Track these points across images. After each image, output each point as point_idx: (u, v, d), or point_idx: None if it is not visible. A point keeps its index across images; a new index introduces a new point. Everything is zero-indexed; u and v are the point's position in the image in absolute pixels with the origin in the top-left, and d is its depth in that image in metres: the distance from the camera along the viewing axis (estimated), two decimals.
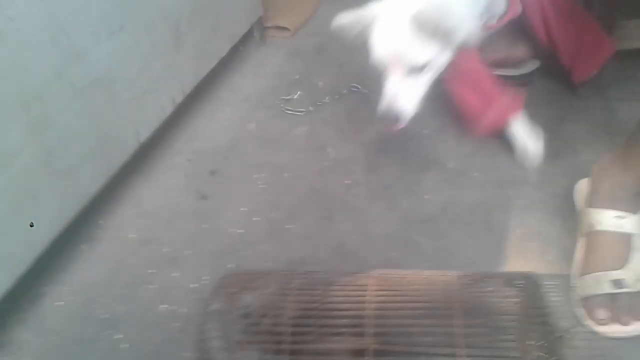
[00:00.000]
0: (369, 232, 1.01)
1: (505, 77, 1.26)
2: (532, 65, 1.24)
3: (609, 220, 0.84)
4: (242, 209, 1.10)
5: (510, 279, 0.67)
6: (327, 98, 1.36)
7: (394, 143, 1.19)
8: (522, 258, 0.94)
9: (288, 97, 1.38)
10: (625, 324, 0.78)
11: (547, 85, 1.28)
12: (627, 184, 0.83)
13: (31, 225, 0.90)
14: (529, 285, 0.64)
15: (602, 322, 0.79)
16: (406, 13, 0.90)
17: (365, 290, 0.63)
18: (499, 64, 1.27)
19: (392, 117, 0.94)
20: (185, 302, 0.93)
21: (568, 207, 0.97)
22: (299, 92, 1.39)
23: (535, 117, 1.15)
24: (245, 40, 1.54)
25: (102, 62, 1.02)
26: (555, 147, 1.11)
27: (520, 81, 1.26)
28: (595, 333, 0.80)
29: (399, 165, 1.14)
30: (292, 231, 1.04)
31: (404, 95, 0.94)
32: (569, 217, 0.96)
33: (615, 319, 0.79)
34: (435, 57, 0.93)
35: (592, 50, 1.17)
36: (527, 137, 1.08)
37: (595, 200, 0.87)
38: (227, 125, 1.33)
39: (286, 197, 1.11)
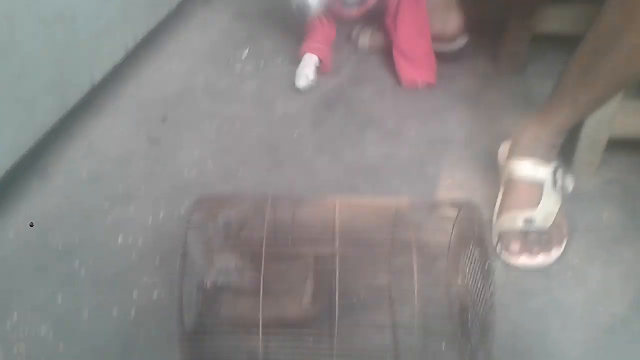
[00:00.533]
0: (316, 179, 1.10)
1: (439, 53, 1.38)
2: (463, 41, 1.37)
3: (525, 168, 0.97)
4: (194, 154, 1.15)
5: (451, 204, 0.78)
6: (280, 60, 1.42)
7: (339, 102, 1.28)
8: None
9: (238, 55, 1.44)
10: (534, 255, 0.93)
11: (472, 60, 1.41)
12: (542, 137, 0.97)
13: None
14: (466, 211, 0.75)
15: (515, 254, 0.93)
16: None
17: (332, 210, 0.72)
18: (432, 40, 1.39)
19: (302, 4, 1.07)
20: (143, 234, 0.98)
21: (491, 163, 1.11)
22: (248, 49, 1.45)
23: (460, 86, 1.28)
24: None
25: None
26: (478, 114, 1.25)
27: (454, 56, 1.39)
28: (509, 264, 0.93)
29: (343, 122, 1.23)
30: (244, 176, 1.10)
31: None
32: (492, 171, 1.09)
33: (526, 251, 0.93)
34: None
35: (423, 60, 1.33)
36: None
37: (514, 152, 1.00)
38: (176, 77, 1.37)
39: (237, 146, 1.17)
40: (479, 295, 0.74)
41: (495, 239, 0.96)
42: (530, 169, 0.97)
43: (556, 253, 0.94)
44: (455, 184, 1.09)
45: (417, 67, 1.31)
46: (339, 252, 0.65)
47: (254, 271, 0.72)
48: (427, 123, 1.24)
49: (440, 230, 0.78)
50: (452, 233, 0.77)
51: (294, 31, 1.47)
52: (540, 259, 0.93)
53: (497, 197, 1.01)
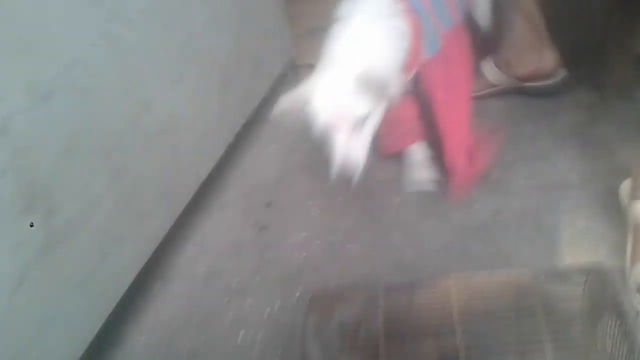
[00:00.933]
0: (424, 245, 1.07)
1: (537, 89, 1.32)
2: (560, 74, 1.30)
3: None
4: (302, 235, 1.16)
5: (578, 271, 0.72)
6: None
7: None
8: (575, 256, 0.98)
9: None
10: None
11: (574, 92, 1.34)
12: None
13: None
14: (596, 275, 0.69)
15: None
16: (349, 74, 0.95)
17: (449, 293, 0.69)
18: (528, 78, 1.33)
19: (348, 170, 0.98)
20: (262, 327, 1.00)
21: (612, 204, 1.02)
22: None
23: (565, 122, 1.21)
24: (281, 80, 1.63)
25: (167, 110, 1.11)
26: (591, 149, 1.17)
27: (554, 91, 1.32)
28: None
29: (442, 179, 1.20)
30: (353, 251, 1.10)
31: (355, 147, 0.98)
32: (615, 213, 1.00)
33: None
34: (374, 108, 0.98)
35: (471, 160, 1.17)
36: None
37: (637, 191, 0.91)
38: (275, 159, 1.41)
39: (341, 220, 1.18)
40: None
41: (632, 291, 0.87)
42: None
43: None
44: (576, 233, 1.01)
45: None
46: (463, 344, 0.61)
47: None
48: (535, 168, 1.17)
49: (569, 299, 0.71)
50: (582, 299, 0.70)
51: None
52: None
53: (625, 243, 0.93)
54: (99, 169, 0.96)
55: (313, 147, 1.41)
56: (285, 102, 1.02)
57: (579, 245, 0.99)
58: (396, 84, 1.00)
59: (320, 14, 1.96)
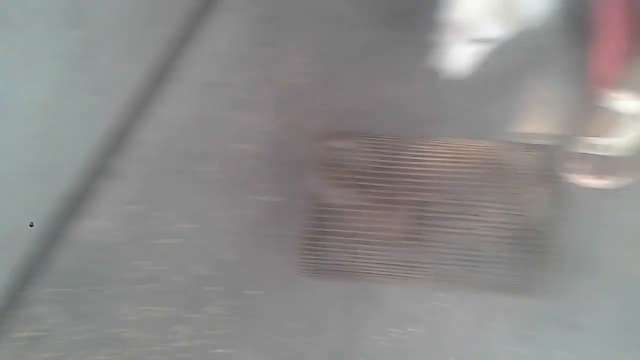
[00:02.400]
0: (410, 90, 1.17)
1: None
2: None
3: (618, 100, 1.01)
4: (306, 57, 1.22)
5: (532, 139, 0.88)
6: None
7: None
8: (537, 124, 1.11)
9: None
10: (600, 179, 1.02)
11: None
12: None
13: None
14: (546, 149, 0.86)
15: (582, 173, 1.02)
16: None
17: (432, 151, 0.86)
18: None
19: (440, 68, 1.04)
20: (262, 143, 1.13)
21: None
22: None
23: None
24: None
25: None
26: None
27: None
28: (583, 185, 1.03)
29: None
30: (344, 85, 1.18)
31: (458, 55, 1.03)
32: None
33: (596, 173, 1.02)
34: (496, 36, 1.01)
35: None
36: None
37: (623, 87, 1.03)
38: None
39: (340, 52, 1.23)
40: (545, 213, 0.87)
41: (574, 161, 1.05)
42: (617, 100, 1.01)
43: (627, 181, 1.03)
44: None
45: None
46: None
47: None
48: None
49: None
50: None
51: None
52: (607, 183, 1.02)
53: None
54: None
55: None
56: None
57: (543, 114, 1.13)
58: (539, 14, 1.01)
59: None
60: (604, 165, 1.02)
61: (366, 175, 0.89)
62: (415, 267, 0.94)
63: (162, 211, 1.08)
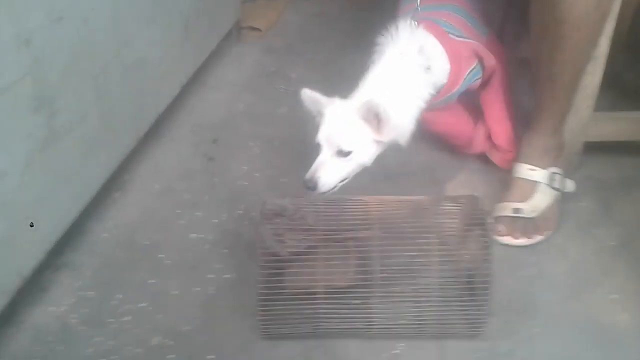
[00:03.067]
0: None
1: None
2: None
3: (524, 170, 1.22)
4: (244, 168, 1.40)
5: (458, 199, 1.03)
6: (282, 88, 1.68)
7: None
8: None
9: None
10: (516, 237, 1.17)
11: None
12: (535, 145, 1.21)
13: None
14: (470, 202, 1.00)
15: (501, 235, 1.18)
16: (351, 106, 1.08)
17: (368, 205, 0.97)
18: None
19: (312, 185, 1.08)
20: (211, 232, 1.23)
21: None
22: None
23: None
24: (227, 37, 1.84)
25: (141, 47, 1.30)
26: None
27: None
28: (502, 244, 1.18)
29: None
30: (287, 183, 1.35)
31: (327, 169, 1.09)
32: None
33: (511, 234, 1.18)
34: (363, 149, 1.10)
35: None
36: None
37: (518, 157, 1.24)
38: (220, 105, 1.62)
39: (279, 159, 1.42)
40: (481, 266, 0.98)
41: (491, 222, 1.20)
42: (527, 172, 1.21)
43: (538, 238, 1.18)
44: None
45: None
46: (376, 235, 0.90)
47: (311, 250, 0.96)
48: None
49: (450, 218, 1.03)
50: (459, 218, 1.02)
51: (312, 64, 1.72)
52: (522, 241, 1.18)
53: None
54: (89, 87, 1.14)
55: (254, 99, 1.65)
56: (309, 95, 1.13)
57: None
58: (404, 132, 1.11)
59: None
60: (518, 225, 1.18)
61: (309, 223, 0.98)
62: (371, 319, 0.99)
63: (119, 293, 1.10)
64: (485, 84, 1.29)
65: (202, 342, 1.01)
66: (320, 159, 1.11)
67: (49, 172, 1.05)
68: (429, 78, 1.14)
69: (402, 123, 1.11)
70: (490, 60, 1.23)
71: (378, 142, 1.11)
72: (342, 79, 1.16)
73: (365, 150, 1.10)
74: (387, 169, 1.37)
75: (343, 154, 1.09)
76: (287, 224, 0.96)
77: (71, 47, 1.06)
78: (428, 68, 1.14)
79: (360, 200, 1.02)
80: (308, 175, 1.10)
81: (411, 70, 1.13)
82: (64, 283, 1.12)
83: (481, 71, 1.24)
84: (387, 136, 1.10)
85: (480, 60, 1.22)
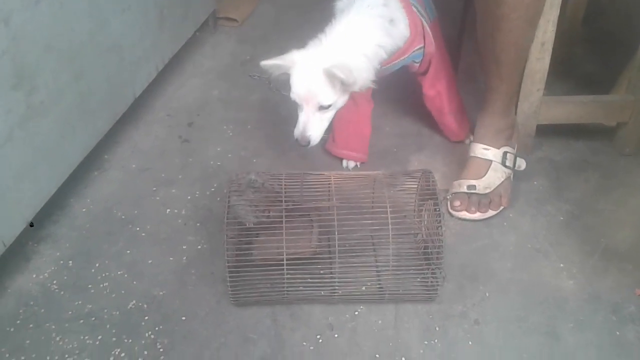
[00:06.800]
0: (315, 161, 1.42)
1: None
2: None
3: (478, 150, 1.30)
4: (217, 149, 1.46)
5: (415, 173, 1.11)
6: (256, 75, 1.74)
7: None
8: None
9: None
10: (471, 212, 1.26)
11: None
12: (487, 123, 1.30)
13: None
14: (426, 177, 1.08)
15: (456, 209, 1.26)
16: (319, 65, 1.12)
17: (328, 179, 1.05)
18: None
19: (305, 141, 1.18)
20: (185, 207, 1.29)
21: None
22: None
23: None
24: (203, 27, 1.90)
25: (117, 32, 1.35)
26: None
27: None
28: (456, 217, 1.27)
29: None
30: (259, 163, 1.42)
31: (314, 125, 1.18)
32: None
33: (465, 208, 1.26)
34: (338, 99, 1.17)
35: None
36: None
37: (474, 138, 1.33)
38: (196, 91, 1.68)
39: (251, 141, 1.49)
40: (435, 234, 1.06)
41: (446, 198, 1.29)
42: (482, 151, 1.29)
43: (491, 213, 1.27)
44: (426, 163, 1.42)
45: (464, 124, 1.46)
46: (335, 205, 0.97)
47: (276, 220, 1.03)
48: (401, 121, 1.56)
49: (405, 191, 1.11)
50: (416, 193, 1.10)
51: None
52: (476, 215, 1.26)
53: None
54: (66, 68, 1.19)
55: (229, 86, 1.71)
56: (270, 61, 1.18)
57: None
58: (365, 82, 1.17)
59: None
60: (473, 201, 1.26)
61: (276, 194, 1.05)
62: (333, 285, 1.06)
63: (97, 262, 1.17)
64: (425, 71, 1.36)
65: (175, 305, 1.08)
66: (305, 117, 1.18)
67: (29, 146, 1.11)
68: (390, 30, 1.21)
69: (364, 77, 1.17)
70: (431, 48, 1.30)
71: (347, 92, 1.19)
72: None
73: (341, 98, 1.18)
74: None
75: (324, 108, 1.17)
76: (255, 196, 1.03)
77: (48, 28, 1.12)
78: (391, 20, 1.21)
79: (322, 174, 1.09)
80: (297, 134, 1.19)
81: (376, 20, 1.19)
82: (45, 254, 1.18)
83: (422, 55, 1.31)
84: (353, 89, 1.17)
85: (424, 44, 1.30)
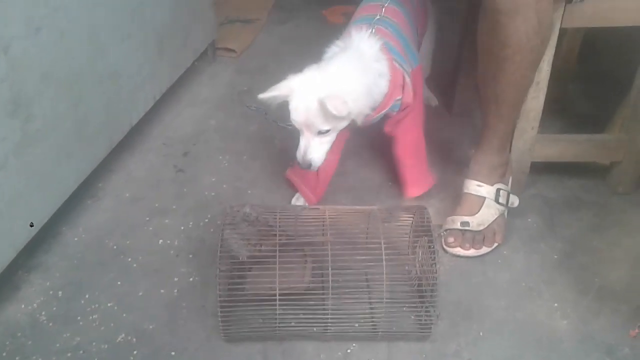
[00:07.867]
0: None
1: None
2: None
3: (472, 186, 1.30)
4: (212, 179, 1.46)
5: (409, 210, 1.11)
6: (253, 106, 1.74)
7: None
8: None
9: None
10: (465, 249, 1.26)
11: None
12: (482, 162, 1.30)
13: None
14: (420, 213, 1.08)
15: (450, 246, 1.26)
16: (315, 93, 1.12)
17: (323, 213, 1.05)
18: None
19: (306, 165, 1.19)
20: (177, 238, 1.29)
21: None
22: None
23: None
24: (202, 56, 1.92)
25: (116, 60, 1.36)
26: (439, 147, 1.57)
27: None
28: (451, 254, 1.26)
29: None
30: (254, 194, 1.42)
31: (314, 148, 1.18)
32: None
33: (459, 245, 1.26)
34: (337, 124, 1.17)
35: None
36: None
37: (468, 174, 1.33)
38: (192, 121, 1.69)
39: (246, 172, 1.49)
40: (429, 271, 1.06)
41: (441, 235, 1.28)
42: (475, 187, 1.30)
43: (485, 250, 1.27)
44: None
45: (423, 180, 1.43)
46: (330, 240, 0.97)
47: (270, 254, 1.02)
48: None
49: (400, 227, 1.10)
50: (410, 229, 1.09)
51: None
52: (470, 252, 1.26)
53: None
54: (64, 95, 1.20)
55: (226, 116, 1.72)
56: (268, 94, 1.18)
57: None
58: (359, 115, 1.18)
59: (240, 6, 2.28)
60: (466, 238, 1.26)
61: (269, 228, 1.04)
62: (326, 322, 1.05)
63: (87, 293, 1.16)
64: (399, 120, 1.34)
65: (165, 340, 1.07)
66: (305, 141, 1.19)
67: (23, 174, 1.11)
68: (379, 82, 1.22)
69: (361, 105, 1.18)
70: (408, 99, 1.30)
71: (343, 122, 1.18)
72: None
73: (340, 123, 1.18)
74: (347, 184, 1.45)
75: (323, 133, 1.18)
76: (248, 230, 1.02)
77: (47, 56, 1.13)
78: (380, 75, 1.22)
79: (316, 209, 1.09)
80: (299, 157, 1.19)
81: (369, 70, 1.20)
82: (35, 283, 1.17)
83: (399, 106, 1.30)
84: (349, 119, 1.18)
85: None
